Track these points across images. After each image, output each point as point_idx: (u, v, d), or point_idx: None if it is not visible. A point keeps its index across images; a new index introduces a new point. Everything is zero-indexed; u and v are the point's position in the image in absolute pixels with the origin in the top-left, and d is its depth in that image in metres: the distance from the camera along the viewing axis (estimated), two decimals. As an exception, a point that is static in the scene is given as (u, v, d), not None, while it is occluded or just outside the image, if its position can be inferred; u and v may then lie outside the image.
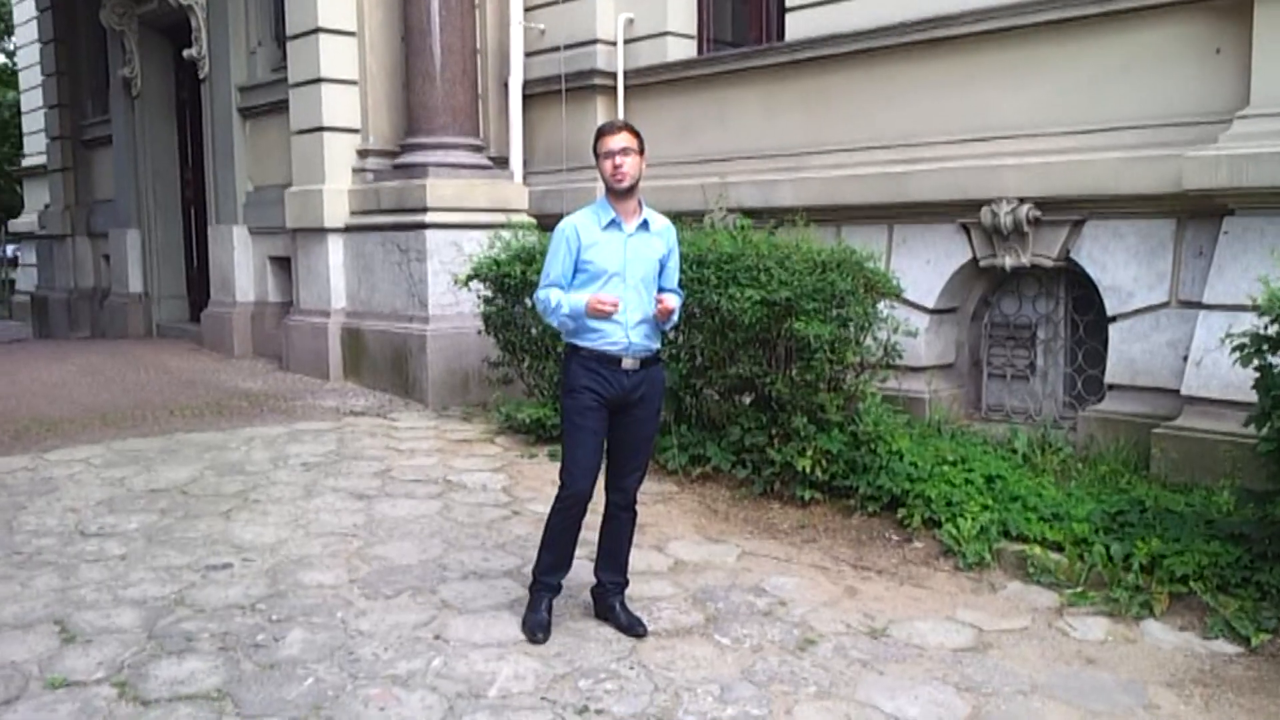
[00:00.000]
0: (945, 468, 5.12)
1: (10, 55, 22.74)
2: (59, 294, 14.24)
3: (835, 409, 5.25)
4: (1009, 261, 6.43)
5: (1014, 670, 3.56)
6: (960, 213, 6.59)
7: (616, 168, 3.68)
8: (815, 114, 7.37)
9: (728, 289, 5.44)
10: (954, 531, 4.66)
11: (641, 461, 3.91)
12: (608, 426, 3.82)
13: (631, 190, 3.73)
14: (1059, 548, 4.50)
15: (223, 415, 7.32)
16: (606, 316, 3.69)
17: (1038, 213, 6.23)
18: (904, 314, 6.03)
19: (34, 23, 15.56)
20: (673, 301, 3.78)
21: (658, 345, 3.89)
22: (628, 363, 3.75)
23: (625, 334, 3.73)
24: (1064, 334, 6.62)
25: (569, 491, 3.77)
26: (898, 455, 5.17)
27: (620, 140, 3.72)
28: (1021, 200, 6.26)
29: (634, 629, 3.78)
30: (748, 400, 5.75)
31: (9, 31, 22.24)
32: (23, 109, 19.84)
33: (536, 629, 3.74)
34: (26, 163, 19.57)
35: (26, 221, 18.13)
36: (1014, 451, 5.91)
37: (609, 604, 3.89)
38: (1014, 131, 6.37)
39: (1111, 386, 5.98)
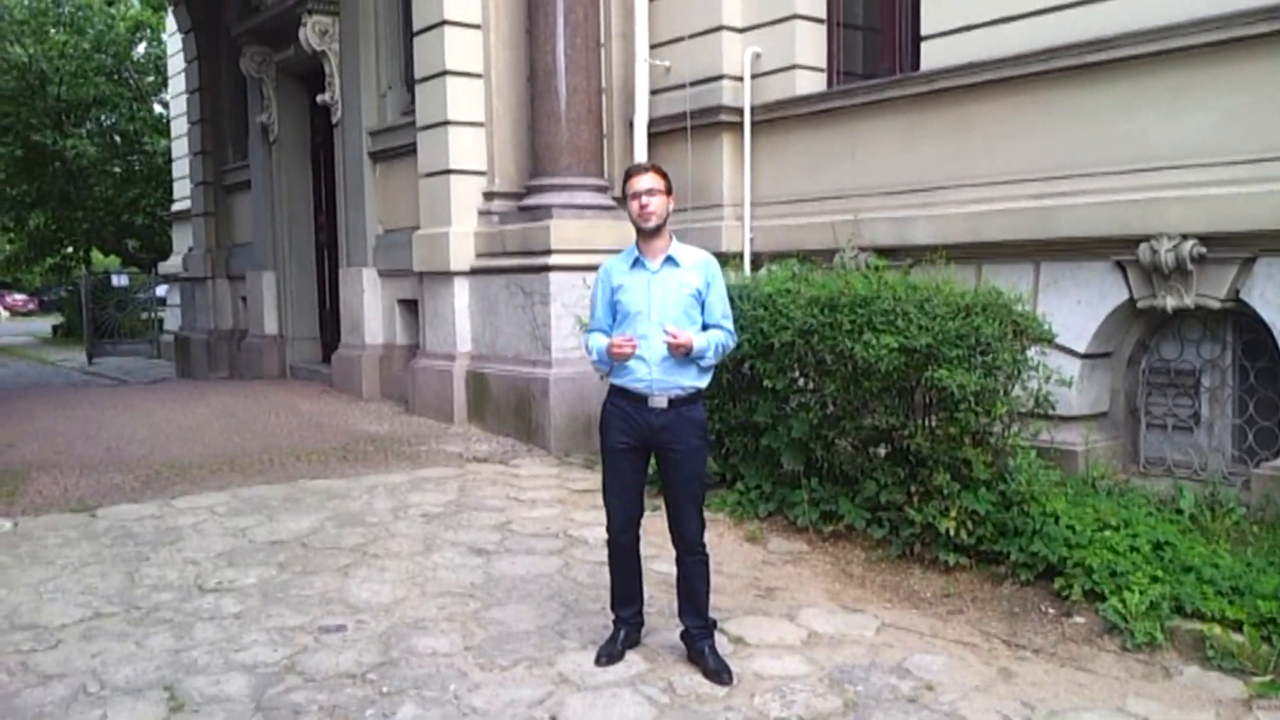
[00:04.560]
0: (1107, 532, 4.66)
1: (165, 105, 23.91)
2: (199, 335, 14.72)
3: (982, 465, 4.85)
4: (1170, 302, 5.91)
5: (1200, 778, 3.13)
6: (1115, 249, 6.10)
7: (643, 207, 3.77)
8: (954, 146, 6.98)
9: (862, 335, 5.11)
10: (1120, 606, 4.21)
11: (688, 502, 3.86)
12: (645, 467, 3.87)
13: (659, 230, 3.82)
14: (1240, 627, 4.01)
15: (347, 461, 7.30)
16: (626, 359, 3.75)
17: (1203, 249, 5.71)
18: (1054, 359, 5.60)
19: (184, 74, 16.25)
20: (686, 336, 3.70)
21: (694, 383, 3.83)
22: (655, 401, 3.78)
23: (649, 372, 3.77)
24: (1232, 381, 6.04)
25: (609, 538, 3.94)
26: (1052, 518, 4.74)
27: (647, 181, 3.81)
28: (1184, 236, 5.74)
29: (719, 675, 3.74)
30: (883, 453, 5.40)
31: (165, 83, 23.39)
32: (174, 156, 20.80)
33: (602, 656, 3.90)
34: (175, 207, 20.48)
35: (174, 264, 18.91)
36: (1180, 512, 5.39)
37: (698, 649, 3.86)
38: (1176, 161, 5.86)
39: (1292, 441, 5.42)
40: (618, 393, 3.86)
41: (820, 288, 5.55)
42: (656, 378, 3.76)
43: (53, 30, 23.48)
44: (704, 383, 3.89)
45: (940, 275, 5.51)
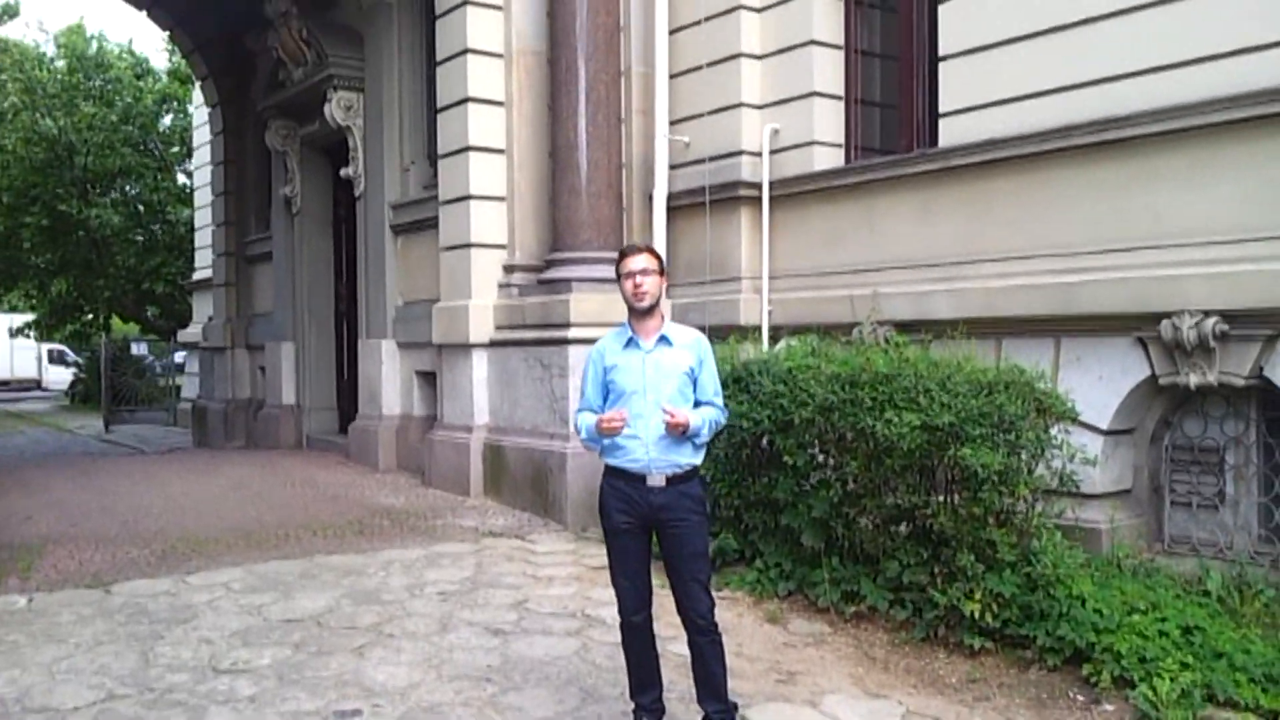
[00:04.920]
0: (1135, 616, 4.57)
1: (189, 175, 24.31)
2: (217, 404, 14.78)
3: (1007, 547, 4.78)
4: (1193, 379, 5.86)
5: None
6: (1136, 326, 6.07)
7: (637, 287, 3.81)
8: (973, 221, 7.00)
9: (883, 412, 5.08)
10: (1150, 694, 4.11)
11: (693, 580, 3.81)
12: (649, 545, 3.86)
13: (652, 310, 3.85)
14: (1276, 717, 3.91)
15: (363, 535, 7.26)
16: (615, 434, 3.74)
17: (1225, 326, 5.67)
18: (1076, 436, 5.55)
19: (209, 146, 16.54)
20: (684, 415, 3.71)
21: (690, 460, 3.83)
22: (653, 480, 3.78)
23: (646, 451, 3.76)
24: (1257, 459, 5.96)
25: (622, 621, 3.92)
26: (1079, 600, 4.65)
27: (640, 261, 3.85)
28: (1206, 313, 5.71)
29: None
30: (905, 532, 5.33)
31: (189, 154, 23.81)
32: (195, 225, 21.08)
33: None
34: (196, 276, 20.69)
35: (193, 332, 19.05)
36: (1207, 594, 5.28)
37: None
38: (1195, 238, 5.85)
39: (1322, 521, 5.33)
40: (614, 473, 3.86)
41: (841, 364, 5.53)
42: (654, 456, 3.77)
43: (82, 103, 23.97)
44: (699, 459, 3.90)
45: (961, 351, 5.49)
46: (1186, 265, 5.84)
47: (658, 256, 3.92)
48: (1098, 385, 6.27)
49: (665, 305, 8.07)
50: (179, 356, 21.40)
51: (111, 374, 20.65)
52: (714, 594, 3.87)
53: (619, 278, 3.91)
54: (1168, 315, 5.84)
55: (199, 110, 19.71)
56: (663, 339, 3.87)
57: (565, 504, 7.60)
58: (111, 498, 8.80)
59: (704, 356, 3.93)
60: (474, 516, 7.86)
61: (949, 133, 7.15)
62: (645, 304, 3.82)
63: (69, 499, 8.80)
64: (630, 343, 3.87)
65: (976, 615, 4.76)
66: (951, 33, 7.12)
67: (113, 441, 16.72)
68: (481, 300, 8.66)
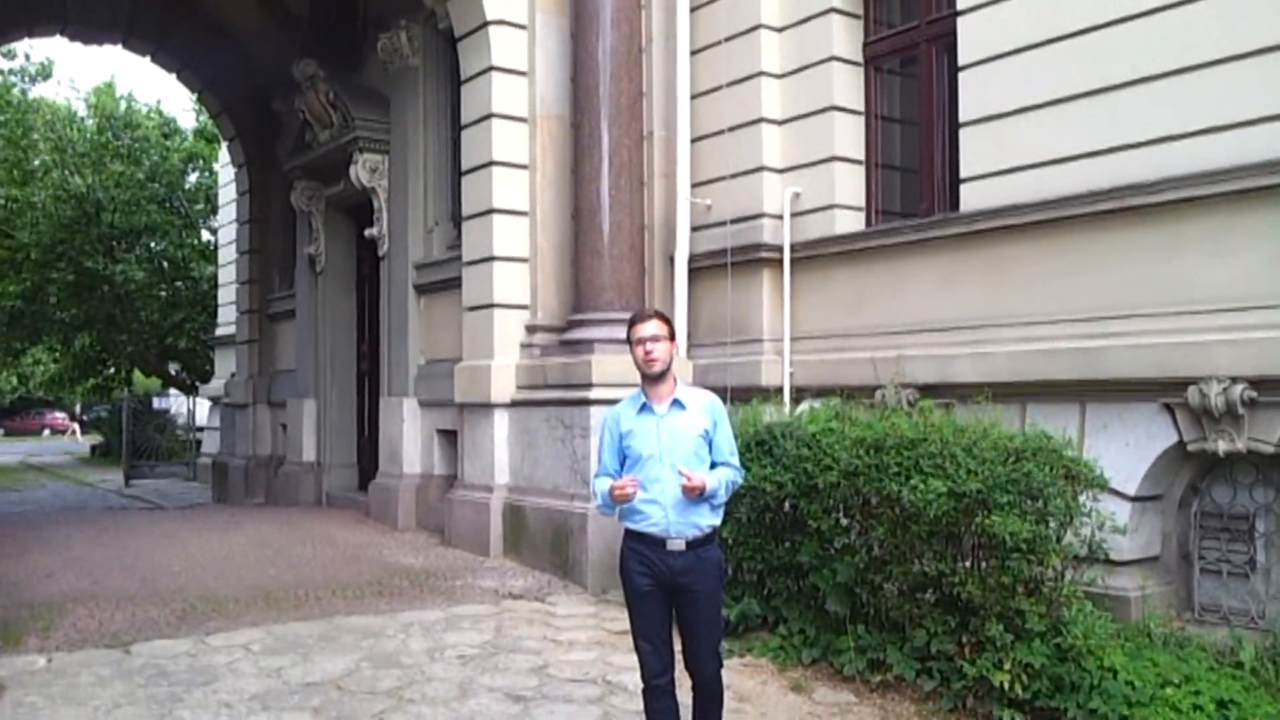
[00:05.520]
0: (1168, 690, 4.50)
1: (213, 232, 24.62)
2: (238, 460, 14.81)
3: (1036, 617, 4.72)
4: (1221, 446, 5.80)
5: None
6: (1163, 392, 6.04)
7: (648, 354, 3.88)
8: (996, 285, 7.00)
9: (909, 478, 5.05)
10: (1187, 770, 4.03)
11: (707, 643, 3.87)
12: (671, 607, 3.90)
13: (663, 375, 3.92)
14: (1317, 795, 3.82)
15: (383, 596, 7.22)
16: (627, 500, 3.79)
17: (1253, 393, 5.63)
18: (1104, 502, 5.47)
19: (234, 204, 16.77)
20: (700, 477, 3.75)
21: (709, 522, 3.87)
22: (672, 544, 3.82)
23: (664, 514, 3.81)
24: (1289, 527, 5.89)
25: (644, 685, 3.92)
26: (1111, 672, 4.59)
27: (651, 328, 3.92)
28: (1234, 379, 5.67)
29: None
30: (932, 600, 5.26)
31: (214, 211, 24.14)
32: (219, 282, 21.30)
33: None
34: (218, 332, 20.87)
35: (214, 388, 19.17)
36: (1240, 665, 5.18)
37: None
38: (1221, 304, 5.83)
39: (1357, 592, 5.24)
40: (634, 537, 3.90)
41: (865, 428, 5.52)
42: (672, 520, 3.82)
43: (111, 161, 24.39)
44: (718, 520, 3.94)
45: (986, 416, 5.47)
46: (1212, 331, 5.82)
47: (667, 322, 4.00)
48: (1124, 451, 6.22)
49: (685, 367, 8.14)
50: (200, 412, 21.52)
51: (133, 429, 20.76)
52: (738, 660, 3.89)
53: (630, 343, 3.99)
54: (1194, 381, 5.81)
55: (225, 169, 20.02)
56: (676, 403, 3.92)
57: (586, 566, 7.55)
58: (132, 555, 8.79)
59: (718, 418, 3.98)
60: (493, 578, 7.82)
61: (970, 197, 7.18)
62: (656, 370, 3.90)
63: (89, 556, 8.80)
64: (644, 408, 3.93)
65: (1006, 686, 4.68)
66: (972, 99, 7.18)
67: (133, 496, 16.76)
68: (504, 360, 8.69)
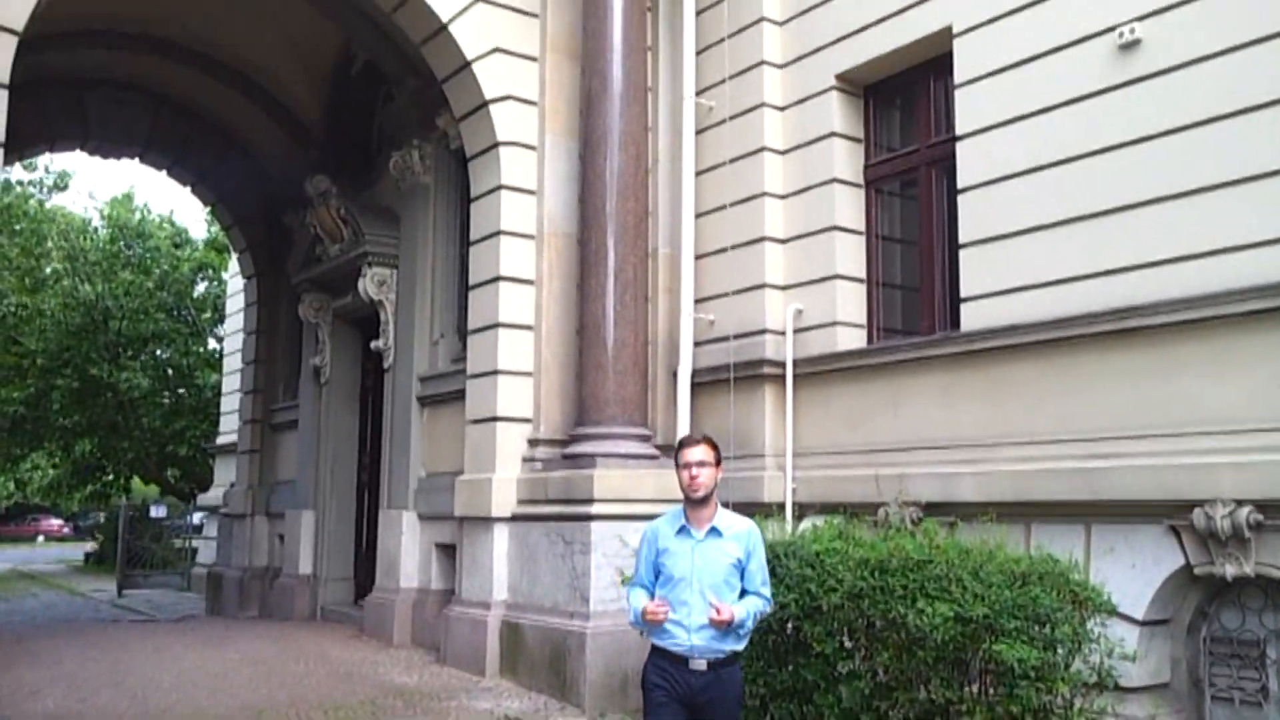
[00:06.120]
0: (1185, 825, 4.36)
1: (220, 341, 24.81)
2: (233, 572, 14.65)
3: (1046, 747, 4.62)
4: (1229, 570, 5.74)
5: None
6: (1168, 513, 6.00)
7: (693, 478, 4.04)
8: (997, 404, 7.02)
9: (915, 601, 4.99)
10: None
11: None
12: None
13: (706, 499, 4.06)
14: None
15: (376, 717, 7.06)
16: (659, 624, 3.94)
17: (1260, 516, 5.59)
18: (1111, 626, 5.41)
19: (242, 314, 16.95)
20: (729, 611, 3.86)
21: (732, 647, 3.96)
22: (695, 664, 3.93)
23: (689, 636, 3.94)
24: (1301, 655, 5.79)
25: None
26: (1125, 806, 4.45)
27: (698, 453, 4.08)
28: (1239, 502, 5.64)
29: None
30: (939, 727, 5.15)
31: (221, 319, 24.36)
32: (223, 390, 21.37)
33: None
34: (220, 440, 20.85)
35: (213, 497, 19.07)
36: (1259, 798, 5.04)
37: None
38: (1224, 426, 5.84)
39: (1374, 724, 5.11)
40: (659, 652, 4.03)
41: (870, 548, 5.48)
42: (696, 643, 3.92)
43: (121, 270, 24.71)
44: (741, 645, 4.03)
45: (991, 536, 5.43)
46: (1215, 454, 5.81)
47: (715, 447, 4.14)
48: (1130, 573, 6.15)
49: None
50: (197, 517, 21.35)
51: (129, 537, 20.56)
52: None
53: (676, 466, 4.12)
54: (1199, 504, 5.78)
55: (234, 279, 20.28)
56: (713, 530, 4.03)
57: (583, 687, 7.39)
58: (123, 670, 8.62)
59: (753, 548, 4.09)
60: (489, 698, 7.65)
61: (970, 316, 7.26)
62: (700, 494, 4.03)
63: (79, 672, 8.63)
64: (682, 530, 4.05)
65: (1018, 820, 4.55)
66: (971, 221, 7.32)
67: (126, 607, 16.50)
68: (505, 473, 8.66)
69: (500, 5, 9.00)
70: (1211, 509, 5.71)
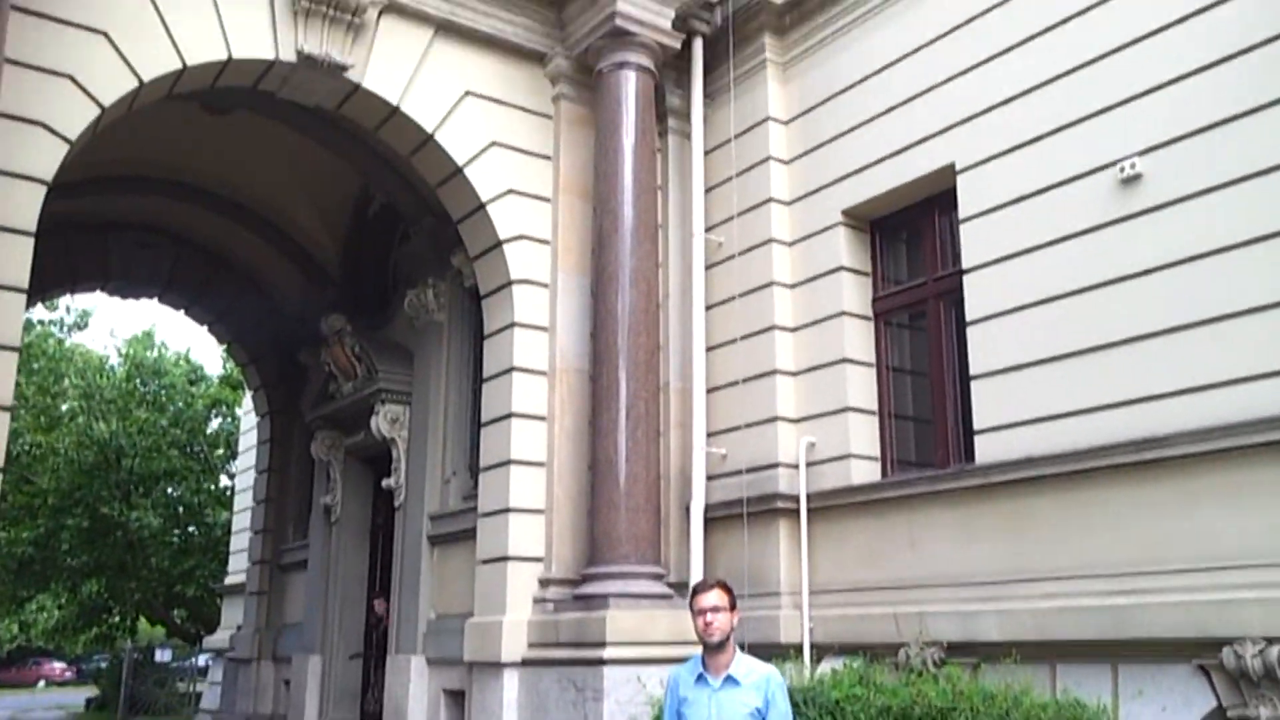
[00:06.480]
0: None
1: (232, 477, 24.76)
2: (236, 719, 14.27)
3: None
4: (1264, 713, 5.53)
5: None
6: (1196, 652, 5.83)
7: (708, 624, 4.05)
8: (1016, 539, 6.89)
9: (940, 750, 4.80)
10: None
11: None
12: None
13: (723, 645, 4.07)
14: None
15: None
16: None
17: (1293, 656, 5.43)
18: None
19: (254, 451, 16.94)
20: None
21: None
22: None
23: None
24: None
25: None
26: None
27: (712, 598, 4.09)
28: (1269, 640, 5.48)
29: None
30: None
31: (233, 456, 24.36)
32: (233, 529, 21.22)
33: None
34: (228, 580, 20.60)
35: (220, 639, 18.73)
36: None
37: None
38: (1248, 560, 5.71)
39: None
40: None
41: (891, 694, 5.32)
42: None
43: (136, 408, 24.86)
44: None
45: (1016, 679, 5.26)
46: (1241, 589, 5.67)
47: (729, 591, 4.15)
48: (1161, 717, 5.94)
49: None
50: (203, 659, 20.95)
51: (133, 682, 20.14)
52: None
53: (691, 612, 4.12)
54: (1228, 642, 5.62)
55: (247, 415, 20.35)
56: (730, 679, 4.01)
57: (598, 840, 7.09)
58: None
59: (773, 697, 4.01)
60: None
61: (985, 449, 7.20)
62: (715, 639, 4.04)
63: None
64: (700, 678, 4.06)
65: None
66: (981, 353, 7.33)
67: (126, 757, 16.06)
68: (515, 615, 8.47)
69: (514, 149, 9.24)
70: (1241, 647, 5.55)
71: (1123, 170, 6.58)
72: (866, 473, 8.16)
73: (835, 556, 8.03)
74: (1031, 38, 7.25)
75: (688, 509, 8.71)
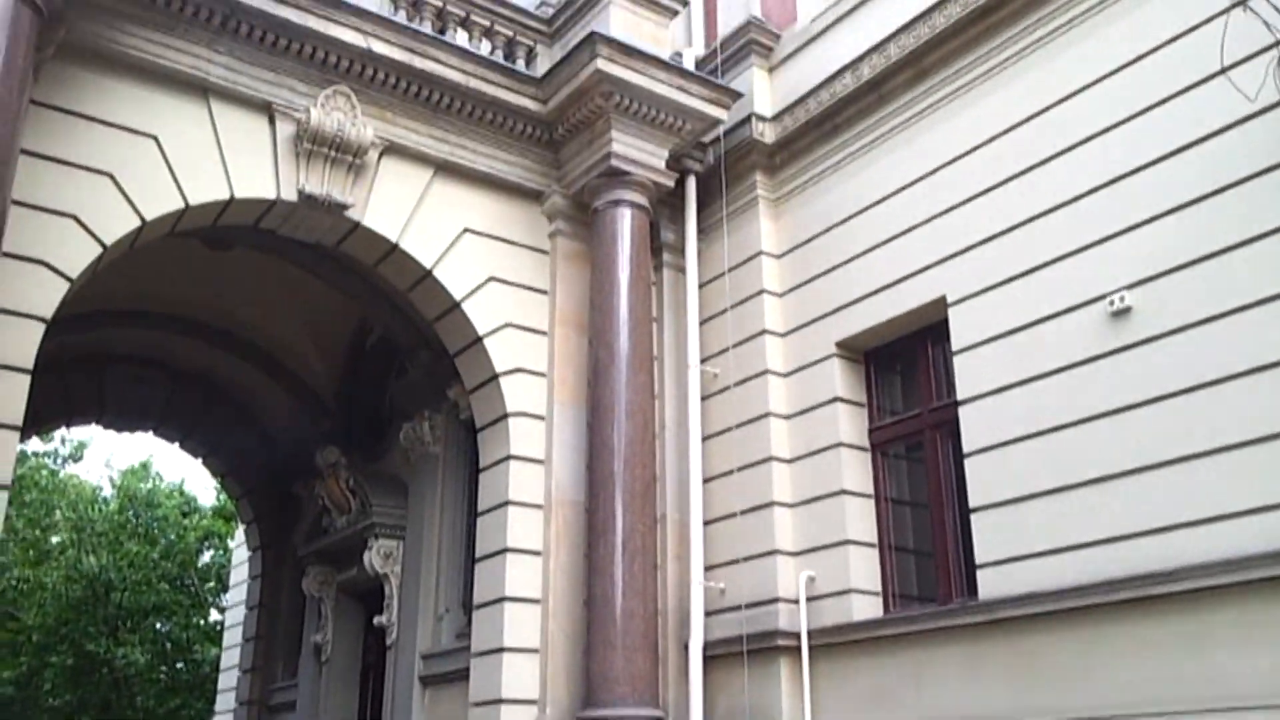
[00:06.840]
0: None
1: (222, 611, 24.25)
2: None
3: None
4: None
5: None
6: (1215, 796, 5.62)
7: None
8: (1022, 676, 6.70)
9: None
10: None
11: None
12: None
13: None
14: None
15: None
16: None
17: (1313, 799, 5.23)
18: None
19: (245, 586, 16.64)
20: None
21: None
22: None
23: None
24: None
25: None
26: None
27: None
28: (1288, 785, 5.30)
29: None
30: None
31: (224, 589, 23.90)
32: (221, 666, 20.68)
33: None
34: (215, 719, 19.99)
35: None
36: None
37: None
38: (1261, 700, 5.56)
39: None
40: None
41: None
42: None
43: (127, 541, 24.48)
44: None
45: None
46: (1255, 728, 5.50)
47: None
48: None
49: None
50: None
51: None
52: None
53: None
54: (1245, 783, 5.42)
55: (239, 548, 20.06)
56: None
57: None
58: None
59: None
60: None
61: (988, 582, 7.07)
62: None
63: None
64: None
65: None
66: (979, 485, 7.27)
67: None
68: (511, 762, 8.20)
69: (511, 284, 9.33)
70: (1258, 787, 5.35)
71: (1112, 303, 6.64)
72: (868, 608, 7.99)
73: (839, 697, 7.80)
74: (1020, 173, 7.40)
75: (686, 646, 8.50)
